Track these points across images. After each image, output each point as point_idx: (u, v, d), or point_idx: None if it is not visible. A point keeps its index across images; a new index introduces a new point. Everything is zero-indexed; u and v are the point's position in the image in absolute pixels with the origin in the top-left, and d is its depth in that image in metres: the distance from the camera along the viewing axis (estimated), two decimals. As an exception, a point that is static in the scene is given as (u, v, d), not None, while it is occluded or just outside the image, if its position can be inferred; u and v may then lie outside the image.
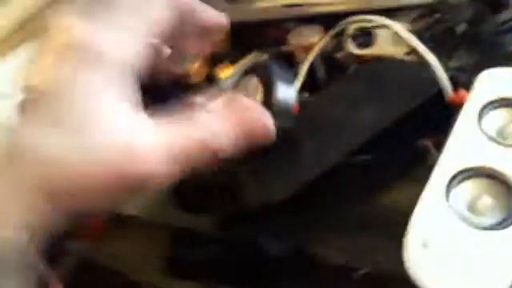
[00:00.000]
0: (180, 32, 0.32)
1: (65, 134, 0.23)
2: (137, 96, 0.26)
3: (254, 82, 0.34)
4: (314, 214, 0.40)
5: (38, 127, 0.24)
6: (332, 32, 0.52)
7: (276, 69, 0.33)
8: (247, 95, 0.32)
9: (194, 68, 0.54)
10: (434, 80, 0.40)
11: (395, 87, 0.41)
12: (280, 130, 0.30)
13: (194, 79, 0.54)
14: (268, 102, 0.31)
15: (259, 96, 0.32)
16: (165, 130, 0.26)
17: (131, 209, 0.52)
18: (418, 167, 0.38)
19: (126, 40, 0.26)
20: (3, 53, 0.69)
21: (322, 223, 0.39)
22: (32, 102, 0.25)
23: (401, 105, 0.38)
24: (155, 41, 0.29)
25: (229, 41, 0.58)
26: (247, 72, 0.36)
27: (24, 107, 0.25)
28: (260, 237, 0.41)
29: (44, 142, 0.23)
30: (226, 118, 0.28)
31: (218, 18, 0.35)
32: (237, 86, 0.36)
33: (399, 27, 0.47)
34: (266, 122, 0.29)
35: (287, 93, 0.32)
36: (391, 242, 0.32)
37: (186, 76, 0.52)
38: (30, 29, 0.74)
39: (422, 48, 0.44)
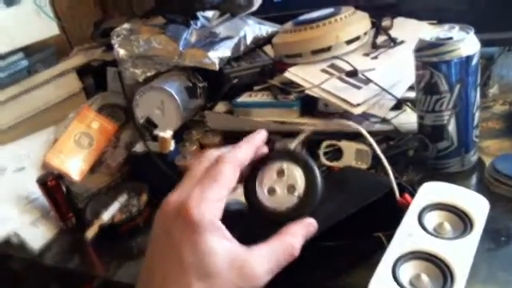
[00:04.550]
0: None
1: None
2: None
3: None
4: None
5: None
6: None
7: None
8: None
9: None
10: (384, 184, 0.51)
11: (355, 188, 0.52)
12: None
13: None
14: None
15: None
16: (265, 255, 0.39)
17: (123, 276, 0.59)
18: (374, 255, 0.47)
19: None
20: (25, 133, 0.79)
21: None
22: None
23: (358, 200, 0.49)
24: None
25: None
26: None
27: None
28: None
29: None
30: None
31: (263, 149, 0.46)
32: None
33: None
34: None
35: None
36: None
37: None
38: (47, 117, 0.85)
39: (384, 159, 0.56)
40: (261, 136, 0.45)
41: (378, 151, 0.58)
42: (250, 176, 0.45)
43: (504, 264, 0.47)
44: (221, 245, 0.37)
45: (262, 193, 0.44)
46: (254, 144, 0.44)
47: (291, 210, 0.43)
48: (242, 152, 0.42)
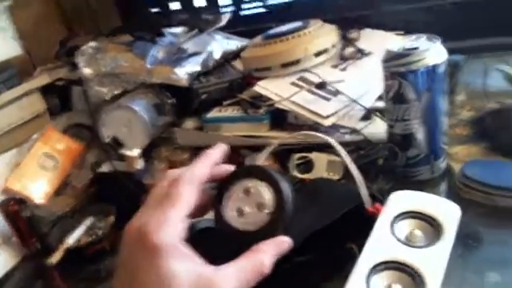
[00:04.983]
0: None
1: None
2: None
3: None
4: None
5: None
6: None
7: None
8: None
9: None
10: (356, 195, 0.51)
11: (327, 200, 0.51)
12: None
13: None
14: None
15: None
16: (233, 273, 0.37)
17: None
18: (347, 266, 0.46)
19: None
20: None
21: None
22: None
23: (331, 212, 0.48)
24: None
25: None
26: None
27: None
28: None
29: None
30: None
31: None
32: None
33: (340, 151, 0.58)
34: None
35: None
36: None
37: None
38: (10, 139, 0.82)
39: (354, 170, 0.55)
40: (219, 151, 0.44)
41: (349, 163, 0.58)
42: (216, 198, 0.43)
43: (476, 268, 0.47)
44: (184, 266, 0.35)
45: (230, 215, 0.43)
46: (211, 159, 0.43)
47: (262, 229, 0.41)
48: (198, 169, 0.41)
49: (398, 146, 0.61)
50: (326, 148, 0.66)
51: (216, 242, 0.44)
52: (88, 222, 0.66)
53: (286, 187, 0.42)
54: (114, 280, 0.38)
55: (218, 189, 0.44)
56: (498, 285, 0.44)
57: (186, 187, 0.39)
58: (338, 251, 0.49)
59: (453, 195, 0.57)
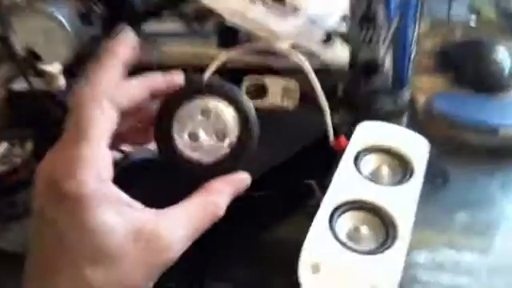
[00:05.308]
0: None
1: None
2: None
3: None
4: (213, 246, 0.40)
5: None
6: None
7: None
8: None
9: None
10: (318, 126, 0.45)
11: (288, 130, 0.44)
12: None
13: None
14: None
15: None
16: (180, 219, 0.30)
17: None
18: (306, 204, 0.42)
19: None
20: None
21: (221, 255, 0.41)
22: None
23: (292, 145, 0.42)
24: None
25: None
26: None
27: None
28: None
29: None
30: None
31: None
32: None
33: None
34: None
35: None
36: (286, 269, 0.34)
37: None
38: None
39: (322, 98, 0.49)
40: (122, 41, 0.32)
41: (317, 88, 0.51)
42: (163, 116, 0.34)
43: (443, 207, 0.44)
44: (116, 216, 0.27)
45: (181, 139, 0.34)
46: (118, 58, 0.31)
47: (220, 162, 0.34)
48: (102, 80, 0.30)
49: (362, 73, 0.56)
50: (279, 71, 0.58)
51: (160, 178, 0.37)
52: (1, 148, 0.57)
53: (254, 115, 0.34)
54: (31, 236, 0.29)
55: (165, 106, 0.35)
56: (467, 224, 0.42)
57: (93, 107, 0.29)
58: (297, 187, 0.43)
59: (417, 129, 0.53)
